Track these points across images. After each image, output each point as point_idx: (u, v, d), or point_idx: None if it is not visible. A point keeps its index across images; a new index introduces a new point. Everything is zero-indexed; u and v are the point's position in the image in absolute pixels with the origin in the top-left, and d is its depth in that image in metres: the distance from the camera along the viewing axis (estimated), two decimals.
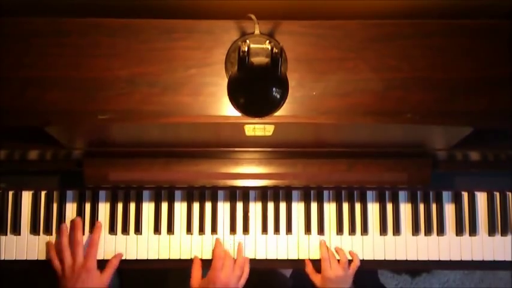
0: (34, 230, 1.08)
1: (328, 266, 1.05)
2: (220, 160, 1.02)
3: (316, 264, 1.08)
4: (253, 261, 1.09)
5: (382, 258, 1.10)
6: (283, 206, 1.11)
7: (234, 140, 0.95)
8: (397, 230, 1.10)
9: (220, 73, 0.90)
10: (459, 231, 1.10)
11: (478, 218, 1.11)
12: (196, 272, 1.05)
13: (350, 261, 1.08)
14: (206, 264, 1.06)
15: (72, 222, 1.05)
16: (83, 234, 1.07)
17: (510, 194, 1.12)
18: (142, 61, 0.90)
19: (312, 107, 0.90)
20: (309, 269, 1.08)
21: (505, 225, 1.11)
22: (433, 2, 0.97)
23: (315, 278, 1.07)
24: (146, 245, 1.09)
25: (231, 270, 1.03)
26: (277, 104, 0.83)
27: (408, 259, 1.10)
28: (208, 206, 1.10)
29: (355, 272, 1.07)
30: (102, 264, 1.04)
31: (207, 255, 1.08)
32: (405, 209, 1.11)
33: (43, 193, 1.10)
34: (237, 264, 1.05)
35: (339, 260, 1.07)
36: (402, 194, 1.12)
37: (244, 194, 1.11)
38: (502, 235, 1.11)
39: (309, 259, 1.09)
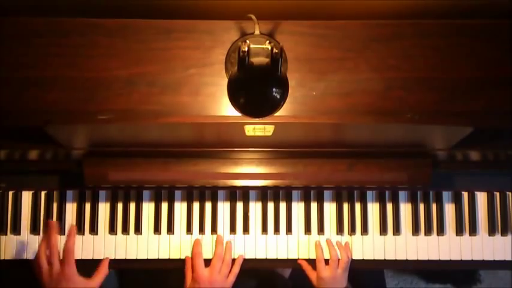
0: (34, 229, 1.08)
1: (323, 267, 1.05)
2: (220, 160, 1.02)
3: (313, 262, 1.08)
4: (253, 261, 1.09)
5: (382, 258, 1.10)
6: (283, 206, 1.11)
7: (234, 140, 0.95)
8: (397, 230, 1.10)
9: (220, 73, 0.90)
10: (459, 231, 1.10)
11: (478, 218, 1.11)
12: (189, 272, 1.05)
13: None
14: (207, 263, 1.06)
15: (47, 224, 0.99)
16: (83, 234, 1.08)
17: (510, 194, 1.12)
18: (141, 61, 0.90)
19: (312, 107, 0.90)
20: (304, 265, 1.09)
21: (505, 225, 1.11)
22: (433, 2, 0.97)
23: (312, 275, 1.07)
24: (146, 245, 1.09)
25: (217, 268, 1.03)
26: (277, 104, 0.83)
27: (408, 259, 1.10)
28: (208, 206, 1.10)
29: (348, 268, 1.07)
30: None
31: (208, 255, 1.08)
32: (405, 208, 1.11)
33: (43, 193, 1.10)
34: (224, 262, 1.05)
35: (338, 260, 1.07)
36: (402, 194, 1.12)
37: (244, 194, 1.11)
38: (502, 235, 1.11)
39: (306, 259, 1.09)
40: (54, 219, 1.08)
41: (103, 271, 1.02)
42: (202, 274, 1.02)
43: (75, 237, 1.02)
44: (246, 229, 1.10)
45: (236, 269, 1.06)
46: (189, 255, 1.08)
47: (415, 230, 1.10)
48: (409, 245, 1.10)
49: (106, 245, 1.08)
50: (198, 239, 1.08)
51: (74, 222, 1.09)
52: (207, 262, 1.05)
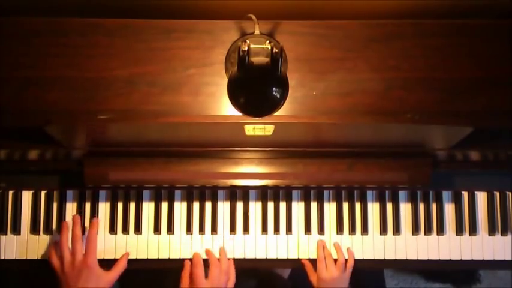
0: (34, 229, 1.08)
1: (324, 267, 1.05)
2: (220, 160, 1.02)
3: (314, 262, 1.08)
4: (253, 261, 1.09)
5: (382, 258, 1.10)
6: (283, 205, 1.11)
7: (234, 140, 0.95)
8: (397, 230, 1.10)
9: (220, 73, 0.90)
10: (459, 230, 1.10)
11: (478, 218, 1.11)
12: (186, 278, 1.05)
13: (346, 260, 1.08)
14: (206, 263, 1.06)
15: (72, 218, 1.05)
16: (83, 233, 1.07)
17: (510, 194, 1.12)
18: (141, 61, 0.90)
19: (312, 106, 0.90)
20: (307, 267, 1.08)
21: (505, 224, 1.11)
22: (433, 2, 0.97)
23: (313, 276, 1.07)
24: (146, 244, 1.09)
25: (216, 279, 1.02)
26: (277, 104, 0.83)
27: (408, 259, 1.10)
28: (208, 205, 1.10)
29: (351, 271, 1.07)
30: (102, 263, 1.04)
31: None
32: (405, 208, 1.11)
33: (43, 193, 1.10)
34: (222, 271, 1.04)
35: (335, 260, 1.07)
36: (402, 194, 1.12)
37: (244, 194, 1.11)
38: (502, 235, 1.11)
39: (306, 259, 1.09)
40: (54, 219, 1.09)
41: (121, 265, 1.03)
42: (203, 283, 1.01)
43: (97, 228, 1.05)
44: (246, 229, 1.10)
45: (233, 276, 1.06)
46: (189, 255, 1.08)
47: (415, 230, 1.10)
48: (409, 245, 1.10)
49: (106, 244, 1.08)
50: (198, 253, 1.07)
51: None
52: (206, 262, 1.05)
